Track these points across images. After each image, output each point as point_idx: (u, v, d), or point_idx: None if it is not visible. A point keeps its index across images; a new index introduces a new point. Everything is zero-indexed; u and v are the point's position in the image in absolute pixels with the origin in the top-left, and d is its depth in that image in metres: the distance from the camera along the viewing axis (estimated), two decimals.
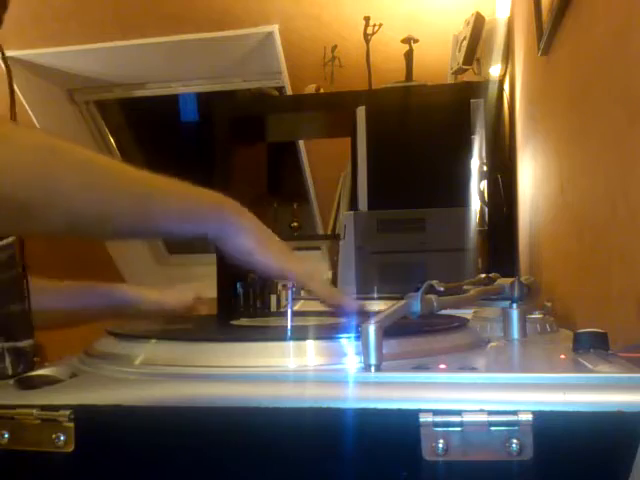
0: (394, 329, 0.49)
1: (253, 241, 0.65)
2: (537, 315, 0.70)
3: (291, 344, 0.52)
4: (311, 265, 0.73)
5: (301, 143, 2.94)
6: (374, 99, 1.91)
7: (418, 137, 1.81)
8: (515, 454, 0.40)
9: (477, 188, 1.89)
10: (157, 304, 1.01)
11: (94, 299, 1.00)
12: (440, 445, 0.40)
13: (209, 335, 0.66)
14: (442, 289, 0.59)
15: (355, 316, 0.64)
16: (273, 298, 1.33)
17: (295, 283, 0.69)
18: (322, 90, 2.27)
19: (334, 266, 1.82)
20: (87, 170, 0.56)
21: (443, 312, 0.59)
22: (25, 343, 0.83)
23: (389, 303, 0.52)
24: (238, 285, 1.32)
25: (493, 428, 0.40)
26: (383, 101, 1.90)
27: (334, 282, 1.75)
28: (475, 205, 1.83)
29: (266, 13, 2.65)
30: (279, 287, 1.29)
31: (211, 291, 1.87)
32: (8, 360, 0.77)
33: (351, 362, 0.49)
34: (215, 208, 0.65)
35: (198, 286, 1.08)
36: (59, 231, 0.62)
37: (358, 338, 0.48)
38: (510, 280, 0.66)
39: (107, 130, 3.46)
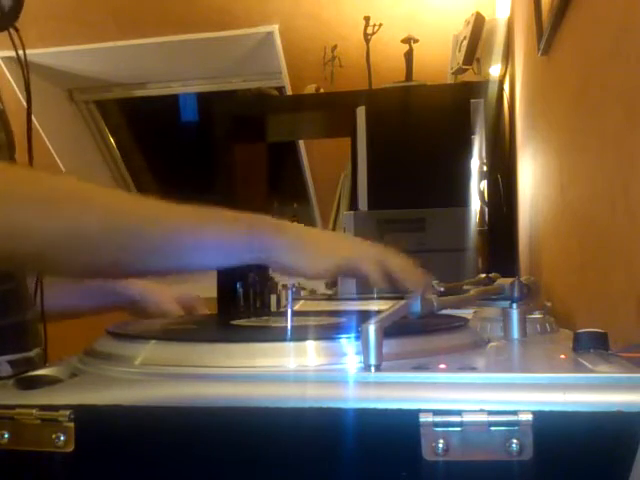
0: (394, 329, 0.49)
1: (290, 257, 0.63)
2: (537, 315, 0.70)
3: (291, 344, 0.52)
4: (377, 247, 0.69)
5: (301, 143, 2.94)
6: (374, 99, 1.91)
7: (418, 137, 1.81)
8: (515, 454, 0.40)
9: (477, 188, 1.89)
10: (158, 305, 1.00)
11: (102, 298, 1.00)
12: (440, 445, 0.40)
13: (209, 335, 0.66)
14: (442, 289, 0.59)
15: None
16: (273, 298, 1.33)
17: (365, 278, 0.64)
18: (322, 90, 2.27)
19: None
20: (110, 217, 0.56)
21: (443, 312, 0.59)
22: (34, 352, 0.83)
23: (389, 303, 0.52)
24: (238, 285, 1.32)
25: (493, 428, 0.40)
26: (383, 101, 1.90)
27: (334, 282, 1.75)
28: (475, 205, 1.83)
29: (266, 13, 2.65)
30: (279, 287, 1.29)
31: (210, 291, 1.87)
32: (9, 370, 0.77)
33: (351, 362, 0.49)
34: (245, 237, 0.62)
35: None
36: (85, 275, 0.62)
37: (358, 338, 0.48)
38: (510, 280, 0.65)
39: (107, 130, 3.46)
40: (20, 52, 0.82)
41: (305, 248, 0.64)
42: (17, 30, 0.82)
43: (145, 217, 0.59)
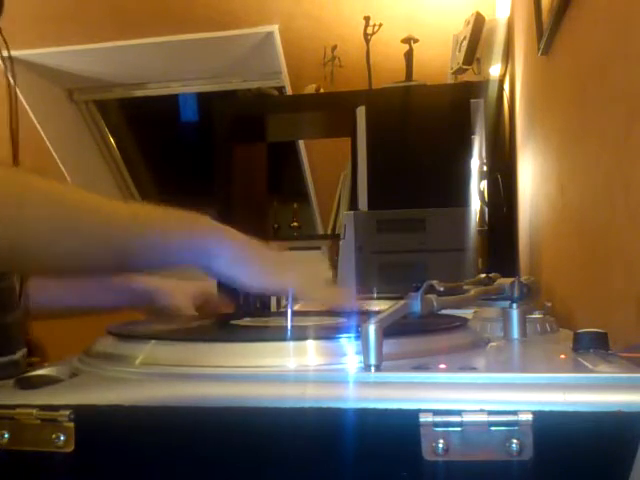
0: (394, 329, 0.49)
1: (231, 266, 0.64)
2: (537, 315, 0.70)
3: (291, 344, 0.51)
4: (308, 269, 0.72)
5: (301, 143, 2.94)
6: (374, 99, 1.91)
7: (418, 137, 1.81)
8: (515, 454, 0.40)
9: (477, 188, 1.89)
10: (172, 303, 0.98)
11: (116, 296, 0.99)
12: (440, 445, 0.40)
13: (209, 335, 0.66)
14: (442, 289, 0.59)
15: (354, 315, 0.64)
16: (273, 298, 1.33)
17: (295, 297, 0.67)
18: (322, 90, 2.27)
19: (334, 266, 1.82)
20: (54, 212, 0.55)
21: (443, 312, 0.59)
22: (18, 355, 0.82)
23: (389, 303, 0.52)
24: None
25: (493, 428, 0.40)
26: (383, 101, 1.90)
27: (334, 282, 1.75)
28: (475, 205, 1.83)
29: (266, 13, 2.65)
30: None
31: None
32: None
33: (351, 362, 0.49)
34: (186, 237, 0.63)
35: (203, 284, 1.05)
36: (41, 273, 0.61)
37: (358, 338, 0.48)
38: (510, 280, 0.65)
39: (107, 130, 3.46)
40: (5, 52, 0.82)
41: (247, 262, 0.65)
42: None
43: (83, 206, 0.58)
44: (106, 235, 0.59)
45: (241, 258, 0.65)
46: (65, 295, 0.91)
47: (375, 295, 1.46)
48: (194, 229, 0.63)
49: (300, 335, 0.57)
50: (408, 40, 2.03)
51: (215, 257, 0.64)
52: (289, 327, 0.64)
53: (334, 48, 2.33)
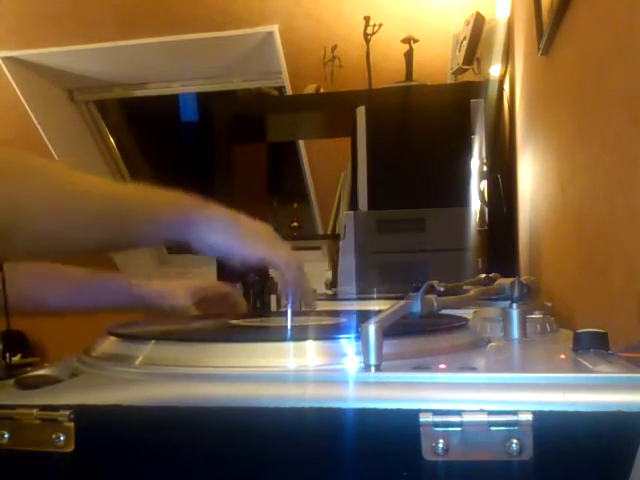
0: (394, 329, 0.49)
1: (222, 236, 0.66)
2: (537, 315, 0.70)
3: (291, 344, 0.52)
4: (293, 253, 0.74)
5: (301, 143, 2.94)
6: (374, 99, 1.91)
7: (418, 137, 1.81)
8: (515, 454, 0.40)
9: (477, 188, 1.89)
10: (172, 304, 0.98)
11: (114, 297, 0.98)
12: (440, 445, 0.40)
13: (209, 335, 0.66)
14: (442, 289, 0.59)
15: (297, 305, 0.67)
16: (273, 298, 1.34)
17: (273, 267, 0.70)
18: (322, 90, 2.27)
19: (334, 266, 1.82)
20: (52, 193, 0.56)
21: (443, 312, 0.59)
22: None
23: (389, 303, 0.52)
24: (238, 285, 1.32)
25: (493, 428, 0.40)
26: (383, 101, 1.90)
27: (334, 282, 1.75)
28: (475, 205, 1.83)
29: (266, 13, 2.65)
30: (279, 287, 1.29)
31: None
32: None
33: (351, 362, 0.49)
34: (178, 211, 0.65)
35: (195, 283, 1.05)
36: (27, 254, 0.61)
37: (358, 338, 0.48)
38: (510, 280, 0.65)
39: (107, 130, 3.46)
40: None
41: (234, 231, 0.67)
42: None
43: (84, 186, 0.59)
44: (101, 211, 0.60)
45: (233, 229, 0.67)
46: (63, 294, 0.91)
47: (375, 295, 1.47)
48: (184, 205, 0.66)
49: (300, 335, 0.57)
50: (408, 40, 2.03)
51: (207, 230, 0.65)
52: (289, 327, 0.64)
53: (334, 48, 2.33)
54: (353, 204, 1.91)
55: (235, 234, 0.67)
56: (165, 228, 0.65)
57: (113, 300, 0.98)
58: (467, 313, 0.71)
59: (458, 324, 0.61)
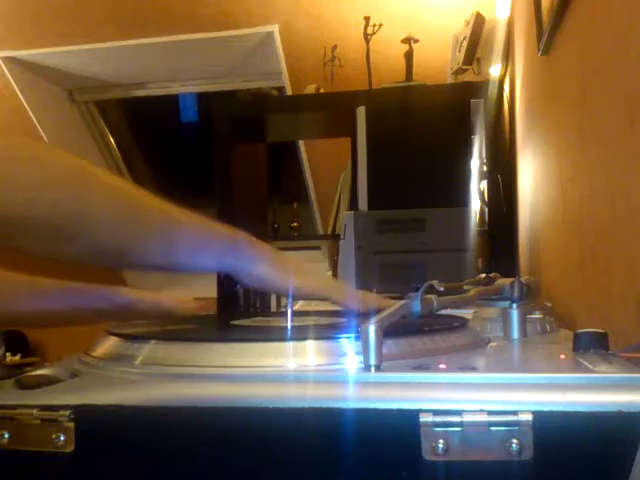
0: (394, 329, 0.49)
1: (268, 269, 0.66)
2: (537, 315, 0.70)
3: (291, 344, 0.51)
4: (328, 279, 0.77)
5: (301, 143, 2.94)
6: (374, 99, 1.91)
7: (418, 137, 1.81)
8: (515, 454, 0.40)
9: (477, 188, 1.89)
10: (155, 304, 0.98)
11: (95, 301, 0.98)
12: (440, 445, 0.40)
13: (209, 335, 0.66)
14: (442, 289, 0.59)
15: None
16: (273, 298, 1.33)
17: (319, 297, 0.70)
18: (322, 90, 2.27)
19: (334, 266, 1.82)
20: (114, 194, 0.57)
21: (443, 312, 0.59)
22: None
23: None
24: (238, 285, 1.32)
25: (493, 428, 0.40)
26: (383, 101, 1.90)
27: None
28: (475, 205, 1.83)
29: (266, 13, 2.65)
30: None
31: (210, 291, 1.87)
32: None
33: (351, 362, 0.49)
34: (230, 241, 0.66)
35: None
36: (81, 256, 0.61)
37: (358, 338, 0.48)
38: (510, 280, 0.65)
39: (107, 130, 3.46)
40: None
41: (281, 264, 0.68)
42: None
43: (147, 201, 0.60)
44: (160, 227, 0.61)
45: (279, 265, 0.68)
46: (24, 298, 0.90)
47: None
48: (235, 236, 0.66)
49: (300, 335, 0.57)
50: (408, 40, 2.04)
51: (255, 263, 0.66)
52: (289, 327, 0.64)
53: (334, 48, 2.33)
54: (353, 204, 1.91)
55: (282, 269, 0.68)
56: (214, 256, 0.65)
57: (91, 305, 0.96)
58: (467, 313, 0.71)
59: (458, 324, 0.61)
